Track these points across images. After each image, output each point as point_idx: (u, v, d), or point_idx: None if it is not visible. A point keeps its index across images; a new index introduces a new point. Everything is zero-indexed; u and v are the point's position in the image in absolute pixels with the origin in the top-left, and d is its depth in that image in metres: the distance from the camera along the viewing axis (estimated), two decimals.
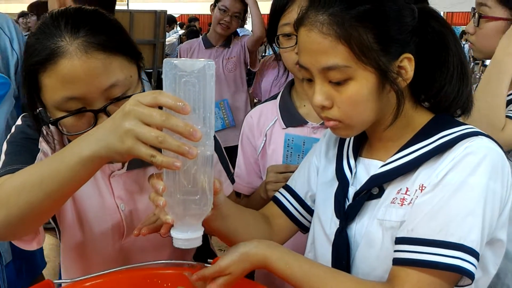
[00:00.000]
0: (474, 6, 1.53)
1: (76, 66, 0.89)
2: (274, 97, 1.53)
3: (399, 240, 0.87)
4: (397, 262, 0.86)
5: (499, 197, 0.85)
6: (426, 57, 0.92)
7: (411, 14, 0.90)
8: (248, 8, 3.05)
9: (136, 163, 1.09)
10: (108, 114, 0.92)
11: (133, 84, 0.97)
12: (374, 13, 0.86)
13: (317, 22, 0.87)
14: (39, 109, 0.98)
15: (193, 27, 9.06)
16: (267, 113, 1.50)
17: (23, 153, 0.99)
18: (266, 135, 1.47)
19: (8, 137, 1.04)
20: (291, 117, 1.43)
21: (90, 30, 0.91)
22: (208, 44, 3.18)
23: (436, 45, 0.93)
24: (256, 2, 2.95)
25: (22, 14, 6.15)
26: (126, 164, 1.09)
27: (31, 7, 3.82)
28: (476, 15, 1.47)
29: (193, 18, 10.82)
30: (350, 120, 0.90)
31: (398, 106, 0.91)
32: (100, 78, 0.91)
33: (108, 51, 0.92)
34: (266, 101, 1.57)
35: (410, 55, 0.89)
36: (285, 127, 1.44)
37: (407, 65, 0.89)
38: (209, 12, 3.23)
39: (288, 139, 1.36)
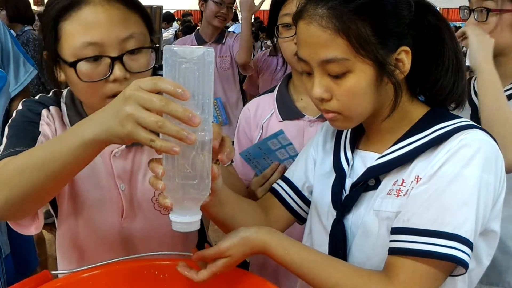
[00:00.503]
0: (466, 5, 1.50)
1: (99, 13, 0.96)
2: (272, 90, 1.54)
3: (395, 230, 0.89)
4: (392, 251, 0.88)
5: (492, 188, 0.87)
6: (422, 50, 0.93)
7: (408, 7, 0.91)
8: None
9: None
10: (123, 64, 0.97)
11: (146, 43, 1.02)
12: (372, 7, 0.87)
13: (316, 16, 0.88)
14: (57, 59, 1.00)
15: (189, 22, 9.04)
16: (264, 106, 1.51)
17: (24, 136, 1.01)
18: (262, 127, 1.49)
19: (9, 121, 1.06)
20: (287, 110, 1.44)
21: None
22: (200, 41, 3.14)
23: (432, 39, 0.94)
24: (247, 23, 2.84)
25: None
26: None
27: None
28: (483, 10, 1.43)
29: (187, 13, 10.79)
30: (349, 112, 0.92)
31: (395, 98, 0.92)
32: (120, 27, 0.97)
33: (127, 5, 0.99)
34: (263, 93, 1.58)
35: (407, 48, 0.90)
36: (281, 119, 1.45)
37: (404, 57, 0.90)
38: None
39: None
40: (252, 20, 3.41)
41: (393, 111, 0.94)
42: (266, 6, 1.54)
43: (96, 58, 0.96)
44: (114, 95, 0.96)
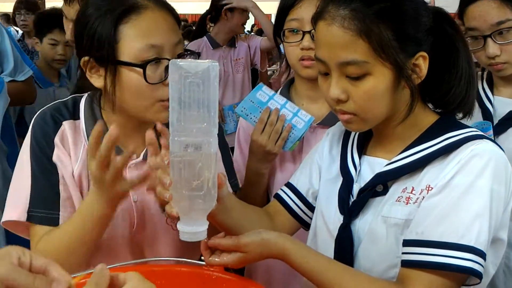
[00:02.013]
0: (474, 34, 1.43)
1: (159, 18, 1.05)
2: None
3: (408, 243, 0.90)
4: (407, 264, 0.89)
5: (502, 198, 0.89)
6: (437, 57, 0.95)
7: (427, 14, 0.93)
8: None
9: None
10: None
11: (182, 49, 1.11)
12: (394, 11, 0.89)
13: (338, 17, 0.89)
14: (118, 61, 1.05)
15: (189, 27, 9.19)
16: None
17: (47, 189, 1.09)
18: None
19: (29, 146, 1.10)
20: None
21: None
22: (215, 45, 3.21)
23: (447, 47, 0.96)
24: (261, 10, 3.02)
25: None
26: (142, 154, 1.12)
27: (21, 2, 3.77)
28: (503, 31, 1.38)
29: (183, 20, 10.97)
30: (365, 114, 0.93)
31: (411, 102, 0.94)
32: (173, 32, 1.07)
33: (173, 14, 1.09)
34: None
35: (425, 54, 0.92)
36: None
37: (422, 63, 0.92)
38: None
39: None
40: (249, 28, 3.54)
41: (408, 116, 0.95)
42: (269, 10, 1.55)
43: (157, 61, 1.03)
44: (165, 100, 1.02)
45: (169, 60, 0.96)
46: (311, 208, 1.14)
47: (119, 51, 1.02)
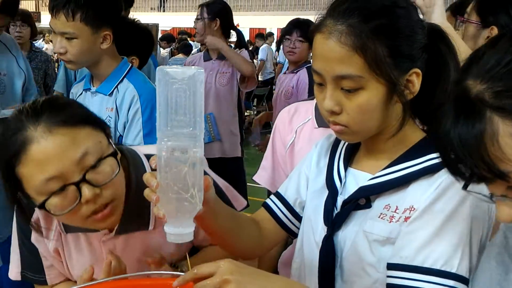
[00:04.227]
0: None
1: (45, 147, 0.98)
2: (312, 98, 1.61)
3: (393, 266, 0.93)
4: (391, 287, 0.92)
5: (487, 221, 0.92)
6: (429, 73, 0.98)
7: (422, 31, 0.97)
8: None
9: (123, 229, 1.16)
10: (90, 183, 1.00)
11: (103, 149, 1.04)
12: (389, 28, 0.92)
13: (335, 31, 0.92)
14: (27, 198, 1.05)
15: (185, 40, 9.36)
16: (301, 112, 1.59)
17: (31, 257, 1.22)
18: (296, 132, 1.56)
19: (17, 234, 1.23)
20: None
21: (49, 111, 1.01)
22: (207, 57, 3.32)
23: (440, 64, 0.99)
24: (232, 50, 3.16)
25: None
26: (114, 230, 1.16)
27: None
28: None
29: (182, 32, 11.13)
30: (357, 126, 0.96)
31: (403, 117, 0.97)
32: (70, 151, 0.99)
33: (71, 125, 1.01)
34: (302, 100, 1.68)
35: (418, 70, 0.95)
36: (317, 126, 1.52)
37: (415, 79, 0.95)
38: None
39: None
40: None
41: (400, 129, 0.98)
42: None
43: (61, 189, 0.99)
44: (93, 213, 1.03)
45: (74, 183, 0.99)
46: (298, 218, 1.17)
47: (27, 189, 1.01)
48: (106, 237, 1.16)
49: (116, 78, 1.87)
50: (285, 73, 3.54)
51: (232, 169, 3.21)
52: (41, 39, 11.24)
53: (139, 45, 2.49)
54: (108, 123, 1.82)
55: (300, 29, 3.11)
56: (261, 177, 1.64)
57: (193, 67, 0.80)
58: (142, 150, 1.19)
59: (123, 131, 1.86)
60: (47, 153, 0.97)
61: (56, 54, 2.01)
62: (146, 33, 2.65)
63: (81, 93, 1.94)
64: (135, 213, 1.12)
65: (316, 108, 1.52)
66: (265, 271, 0.87)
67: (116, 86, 1.86)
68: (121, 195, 1.08)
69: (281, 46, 3.29)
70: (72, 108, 1.05)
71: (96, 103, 1.86)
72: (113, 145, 1.07)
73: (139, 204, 1.10)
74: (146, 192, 0.84)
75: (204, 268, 0.83)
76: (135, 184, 1.11)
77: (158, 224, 1.15)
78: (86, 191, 0.99)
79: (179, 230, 0.83)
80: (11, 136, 0.99)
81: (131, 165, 1.13)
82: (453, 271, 0.87)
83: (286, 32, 3.23)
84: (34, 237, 1.18)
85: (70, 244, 1.19)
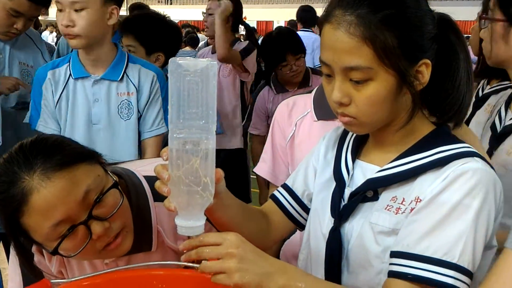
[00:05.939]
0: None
1: (46, 195, 0.96)
2: (309, 91, 1.62)
3: (395, 254, 0.93)
4: (392, 274, 0.93)
5: (492, 216, 0.92)
6: (439, 64, 0.98)
7: (432, 22, 0.97)
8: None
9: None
10: (98, 218, 1.01)
11: (103, 181, 1.04)
12: (399, 18, 0.92)
13: (344, 22, 0.92)
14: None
15: (192, 33, 9.34)
16: (300, 105, 1.60)
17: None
18: (296, 124, 1.57)
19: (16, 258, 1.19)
20: (324, 110, 1.49)
21: (42, 156, 0.99)
22: (214, 50, 3.28)
23: (450, 54, 0.99)
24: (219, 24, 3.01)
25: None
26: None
27: None
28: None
29: (185, 25, 11.10)
30: (366, 118, 0.96)
31: (413, 108, 0.98)
32: (72, 193, 0.98)
33: (67, 166, 0.99)
34: (299, 94, 1.69)
35: (428, 61, 0.95)
36: (316, 119, 1.53)
37: (425, 70, 0.95)
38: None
39: None
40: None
41: (410, 120, 0.98)
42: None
43: (71, 231, 0.99)
44: (106, 246, 1.04)
45: (82, 223, 0.99)
46: (306, 209, 1.18)
47: (36, 237, 1.01)
48: (109, 259, 1.17)
49: (121, 62, 1.93)
50: None
51: (235, 161, 3.21)
52: (47, 31, 11.32)
53: (167, 41, 2.51)
54: (126, 107, 1.91)
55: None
56: (261, 169, 1.68)
57: (205, 59, 0.80)
58: (141, 171, 1.19)
59: (143, 111, 1.95)
60: (49, 200, 0.96)
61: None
62: (175, 30, 2.67)
63: (67, 82, 1.91)
64: (138, 235, 1.12)
65: (315, 102, 1.53)
66: (264, 253, 0.90)
67: (125, 71, 1.92)
68: (130, 222, 1.09)
69: None
70: (64, 147, 1.03)
71: (102, 90, 1.89)
72: (111, 175, 1.07)
73: (141, 226, 1.12)
74: (157, 184, 0.85)
75: (210, 237, 0.86)
76: (136, 206, 1.12)
77: (160, 244, 1.17)
78: (96, 227, 1.00)
79: (190, 223, 0.84)
80: (7, 190, 0.97)
81: (131, 188, 1.14)
82: (454, 261, 0.88)
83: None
84: (37, 260, 1.17)
85: (73, 266, 1.20)
